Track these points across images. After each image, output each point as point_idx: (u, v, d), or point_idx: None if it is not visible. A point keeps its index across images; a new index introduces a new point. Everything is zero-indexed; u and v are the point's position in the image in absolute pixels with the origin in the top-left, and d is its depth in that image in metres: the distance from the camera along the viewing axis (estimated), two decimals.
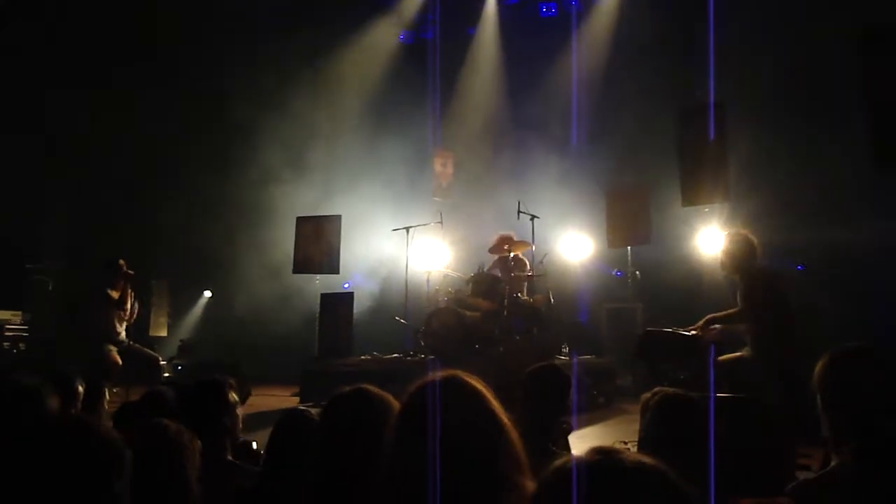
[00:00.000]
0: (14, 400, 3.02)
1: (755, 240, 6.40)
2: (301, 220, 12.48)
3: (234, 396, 3.71)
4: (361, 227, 12.66)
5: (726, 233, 6.84)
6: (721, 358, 6.24)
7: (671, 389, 3.17)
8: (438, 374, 1.96)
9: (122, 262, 8.83)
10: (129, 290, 8.88)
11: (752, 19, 11.03)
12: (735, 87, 10.11)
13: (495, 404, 1.95)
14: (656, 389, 3.15)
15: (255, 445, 4.04)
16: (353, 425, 2.28)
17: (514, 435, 1.92)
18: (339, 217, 12.16)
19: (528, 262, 10.80)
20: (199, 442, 2.75)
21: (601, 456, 1.38)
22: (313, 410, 3.21)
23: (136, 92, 12.49)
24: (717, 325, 6.51)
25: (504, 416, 1.94)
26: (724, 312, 6.50)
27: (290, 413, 3.31)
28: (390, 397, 2.31)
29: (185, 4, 12.66)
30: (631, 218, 11.54)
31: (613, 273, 12.22)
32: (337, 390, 2.44)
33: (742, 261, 6.34)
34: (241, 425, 3.77)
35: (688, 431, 2.87)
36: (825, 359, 2.63)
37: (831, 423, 2.55)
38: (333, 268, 12.14)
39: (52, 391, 3.12)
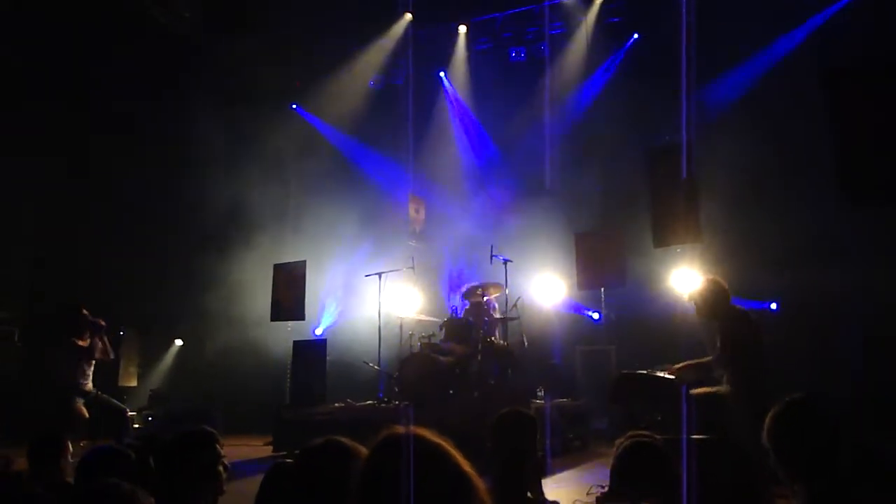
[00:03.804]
0: None
1: (724, 283, 6.43)
2: (277, 268, 12.49)
3: (220, 450, 3.56)
4: (333, 274, 12.57)
5: (699, 279, 6.82)
6: (695, 391, 6.18)
7: (642, 433, 3.17)
8: (394, 436, 1.88)
9: (85, 311, 8.59)
10: (100, 342, 8.61)
11: (723, 61, 11.21)
12: (705, 128, 10.23)
13: (458, 459, 1.88)
14: (629, 433, 3.14)
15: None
16: (324, 477, 2.24)
17: (480, 489, 1.86)
18: (303, 263, 12.16)
19: (496, 307, 10.79)
20: (153, 500, 2.67)
21: None
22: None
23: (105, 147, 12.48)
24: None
25: (467, 468, 1.87)
26: (698, 360, 6.50)
27: (275, 467, 3.25)
28: (361, 448, 2.26)
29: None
30: (602, 260, 11.45)
31: (592, 315, 12.10)
32: (308, 442, 2.43)
33: (716, 305, 6.35)
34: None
35: (659, 475, 2.88)
36: (772, 413, 2.90)
37: (784, 470, 2.81)
38: (299, 314, 12.13)
39: None
